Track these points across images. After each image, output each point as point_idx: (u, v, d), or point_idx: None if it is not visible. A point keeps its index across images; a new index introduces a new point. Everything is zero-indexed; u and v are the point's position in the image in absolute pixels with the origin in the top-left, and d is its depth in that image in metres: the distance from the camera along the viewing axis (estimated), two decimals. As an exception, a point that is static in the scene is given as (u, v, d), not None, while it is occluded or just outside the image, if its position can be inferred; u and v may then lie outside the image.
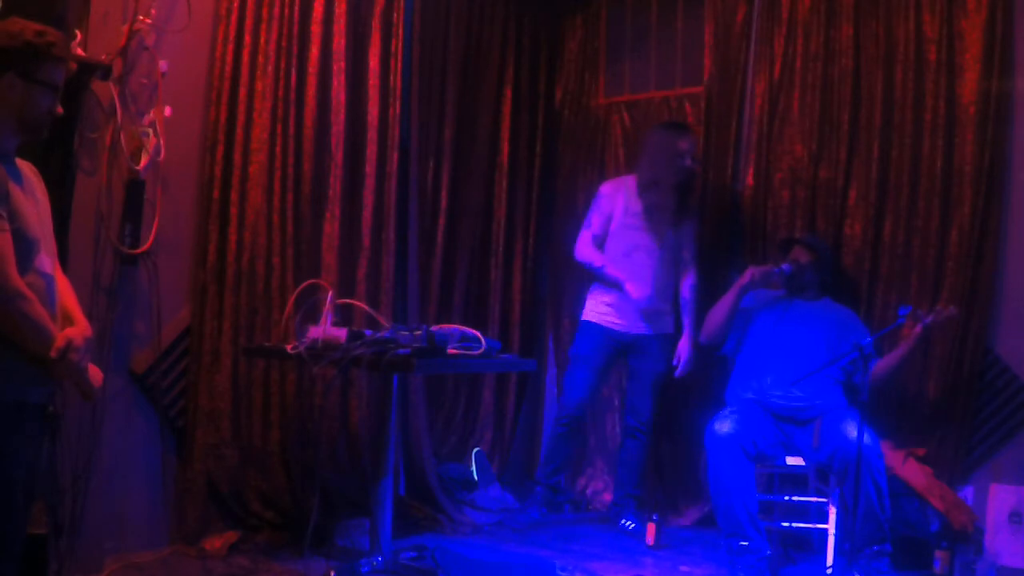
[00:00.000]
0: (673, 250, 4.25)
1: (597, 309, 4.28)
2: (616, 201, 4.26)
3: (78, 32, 3.07)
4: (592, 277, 4.34)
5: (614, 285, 4.18)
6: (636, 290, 4.13)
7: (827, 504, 3.59)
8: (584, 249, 4.29)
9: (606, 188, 4.35)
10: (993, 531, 3.54)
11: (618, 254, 4.22)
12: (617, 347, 4.27)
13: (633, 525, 4.18)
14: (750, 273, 3.83)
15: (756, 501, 3.49)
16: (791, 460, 3.67)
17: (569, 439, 4.37)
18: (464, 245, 4.76)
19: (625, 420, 4.37)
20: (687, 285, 4.28)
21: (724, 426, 3.50)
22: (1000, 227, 3.75)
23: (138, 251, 3.34)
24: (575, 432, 4.38)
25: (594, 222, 4.30)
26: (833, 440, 3.42)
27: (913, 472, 3.62)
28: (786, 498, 3.75)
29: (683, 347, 4.21)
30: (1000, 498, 3.57)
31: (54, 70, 2.11)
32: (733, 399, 3.80)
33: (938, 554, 3.39)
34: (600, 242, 4.29)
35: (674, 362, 4.21)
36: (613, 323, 4.24)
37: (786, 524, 3.71)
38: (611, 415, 4.79)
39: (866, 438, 3.29)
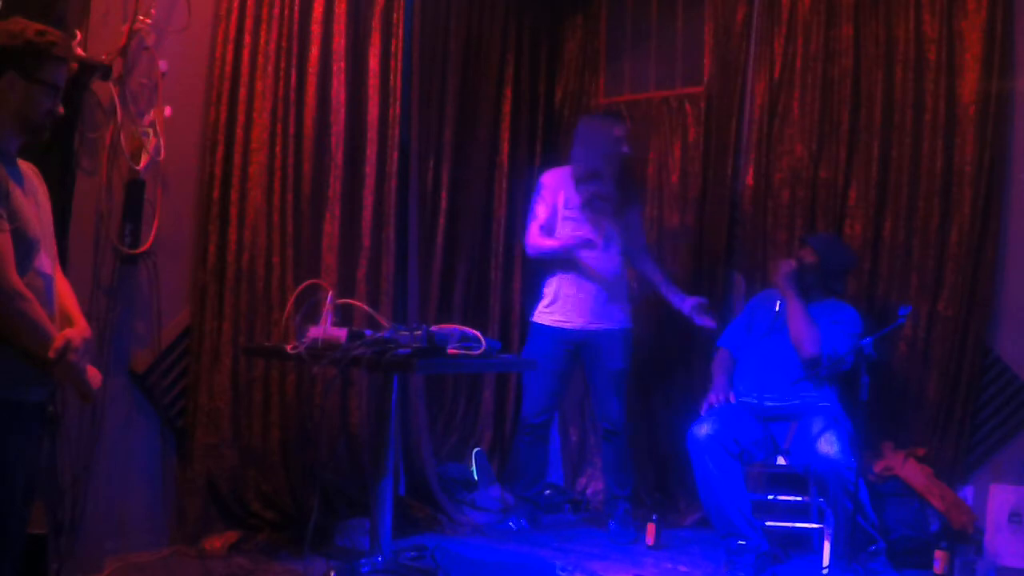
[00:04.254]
0: (619, 241, 4.11)
1: (544, 309, 4.14)
2: (557, 193, 4.13)
3: (78, 32, 3.07)
4: (546, 270, 4.18)
5: (587, 246, 4.00)
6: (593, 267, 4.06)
7: (824, 504, 3.59)
8: (536, 240, 4.11)
9: (547, 178, 4.19)
10: (993, 531, 3.54)
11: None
12: (571, 347, 4.11)
13: (617, 528, 4.06)
14: (788, 266, 3.75)
15: (747, 499, 3.49)
16: (782, 460, 3.66)
17: (534, 448, 4.24)
18: (464, 245, 4.76)
19: (597, 423, 4.23)
20: (648, 269, 4.23)
21: (703, 428, 3.51)
22: (1000, 227, 3.75)
23: (138, 251, 3.34)
24: (540, 440, 4.25)
25: (540, 212, 4.13)
26: (806, 453, 3.42)
27: (913, 472, 3.62)
28: (783, 498, 3.75)
29: (686, 303, 4.07)
30: (1000, 498, 3.57)
31: (55, 70, 2.11)
32: (726, 403, 3.79)
33: (938, 554, 3.39)
34: (549, 233, 4.13)
35: (702, 321, 4.04)
36: (561, 322, 4.08)
37: (784, 524, 3.71)
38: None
39: (835, 451, 3.30)
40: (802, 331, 3.59)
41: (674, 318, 4.55)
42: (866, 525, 3.31)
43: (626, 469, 4.17)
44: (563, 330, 4.10)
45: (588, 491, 4.75)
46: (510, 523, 4.20)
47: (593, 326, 4.08)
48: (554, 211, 4.12)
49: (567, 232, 4.08)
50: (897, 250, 3.95)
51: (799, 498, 3.75)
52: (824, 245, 3.82)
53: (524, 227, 4.25)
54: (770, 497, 3.77)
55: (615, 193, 4.09)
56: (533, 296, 4.44)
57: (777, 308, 3.81)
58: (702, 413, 3.73)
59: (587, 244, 4.02)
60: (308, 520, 3.10)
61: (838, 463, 3.28)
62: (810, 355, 3.55)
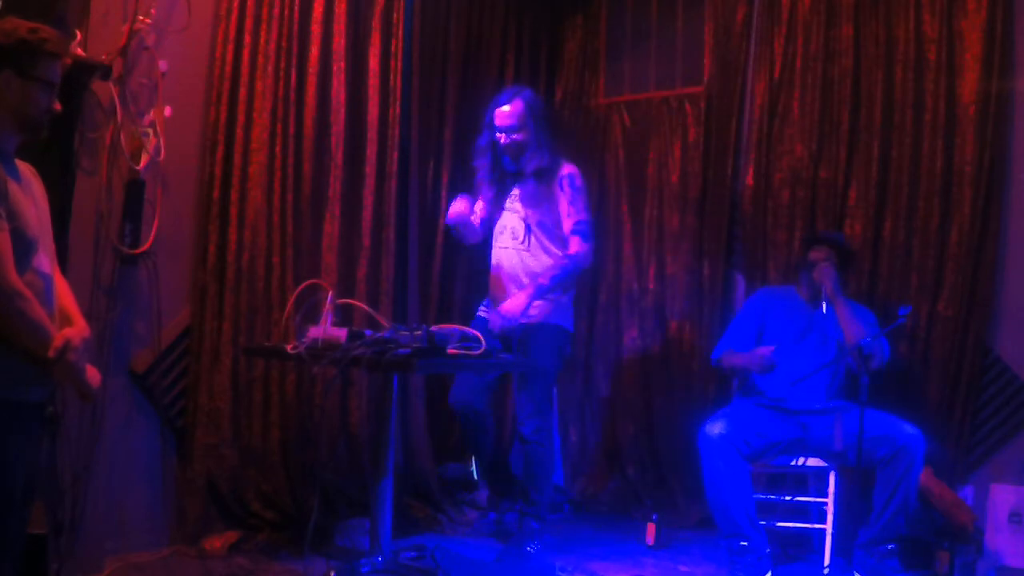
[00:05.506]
0: (542, 228, 3.74)
1: (482, 303, 3.94)
2: None
3: (78, 32, 3.07)
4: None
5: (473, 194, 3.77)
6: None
7: (826, 504, 3.59)
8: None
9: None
10: (993, 531, 3.54)
11: (492, 244, 3.90)
12: (505, 343, 3.60)
13: (508, 546, 3.70)
14: (831, 276, 3.60)
15: (753, 500, 3.47)
16: (813, 460, 3.64)
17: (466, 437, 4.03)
18: (464, 245, 4.75)
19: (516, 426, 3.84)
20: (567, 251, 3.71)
21: (716, 428, 3.49)
22: (1000, 227, 3.75)
23: (138, 251, 3.34)
24: (475, 431, 3.88)
25: (475, 208, 3.89)
26: (882, 426, 3.36)
27: (913, 472, 3.62)
28: (786, 498, 3.75)
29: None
30: (1000, 498, 3.57)
31: (50, 66, 2.11)
32: (739, 402, 3.77)
33: (938, 554, 3.39)
34: (486, 226, 3.92)
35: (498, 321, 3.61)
36: (488, 317, 3.77)
37: (785, 524, 3.70)
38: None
39: (914, 429, 3.33)
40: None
41: (673, 319, 4.56)
42: (905, 515, 3.33)
43: (535, 483, 3.70)
44: (489, 322, 3.74)
45: (588, 491, 4.73)
46: (509, 524, 4.21)
47: (516, 320, 3.65)
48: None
49: (494, 224, 3.88)
50: (897, 250, 3.95)
51: (800, 498, 3.75)
52: (843, 241, 3.79)
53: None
54: (762, 496, 3.75)
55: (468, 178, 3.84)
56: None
57: (824, 310, 3.61)
58: (765, 361, 3.53)
59: (471, 198, 3.74)
60: (308, 520, 3.10)
61: (915, 437, 3.29)
62: (880, 365, 3.47)
